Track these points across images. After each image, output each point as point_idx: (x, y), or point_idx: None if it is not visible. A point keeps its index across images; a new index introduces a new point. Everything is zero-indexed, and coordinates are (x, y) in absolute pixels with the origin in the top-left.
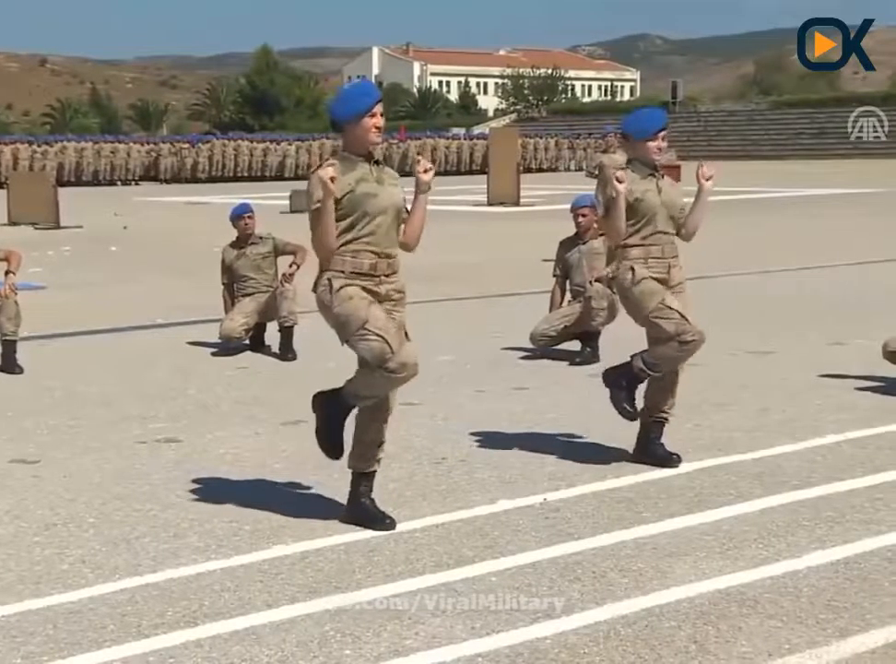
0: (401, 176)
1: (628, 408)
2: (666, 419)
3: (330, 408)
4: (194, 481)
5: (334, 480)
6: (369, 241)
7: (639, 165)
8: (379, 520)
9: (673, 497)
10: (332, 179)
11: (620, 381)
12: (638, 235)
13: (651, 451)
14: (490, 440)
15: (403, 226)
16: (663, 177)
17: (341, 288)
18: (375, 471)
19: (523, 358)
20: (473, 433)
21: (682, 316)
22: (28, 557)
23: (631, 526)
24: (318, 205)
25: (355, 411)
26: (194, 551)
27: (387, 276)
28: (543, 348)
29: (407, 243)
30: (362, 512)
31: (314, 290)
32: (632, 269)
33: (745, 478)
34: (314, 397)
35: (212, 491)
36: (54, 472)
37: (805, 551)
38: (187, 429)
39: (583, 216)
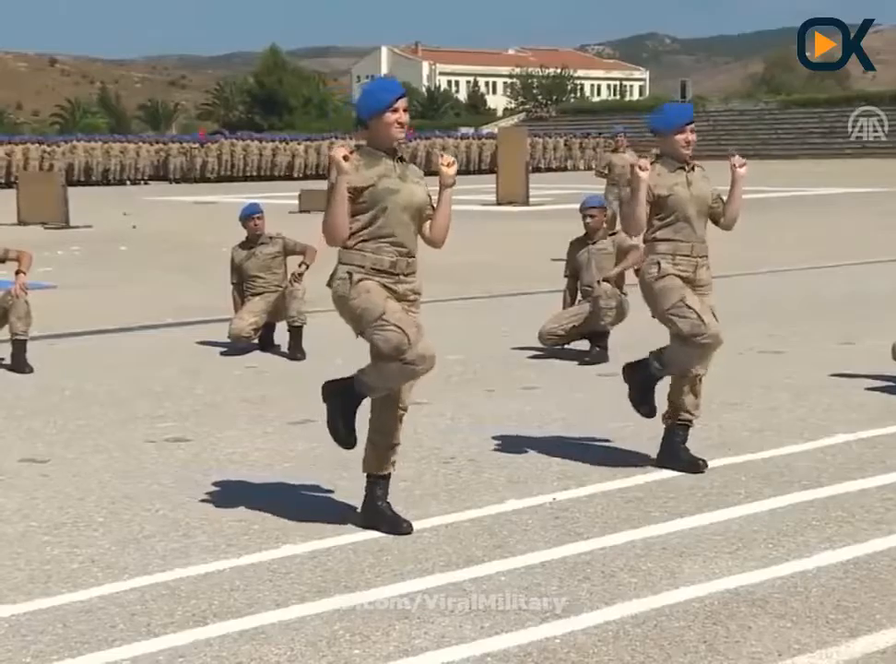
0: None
1: (641, 407)
2: (690, 422)
3: (342, 396)
4: (203, 481)
5: (343, 480)
6: (390, 238)
7: (668, 159)
8: (396, 524)
9: (682, 497)
10: (345, 157)
11: (636, 378)
12: (668, 230)
13: (676, 456)
14: (499, 439)
15: (428, 223)
16: (693, 170)
17: (360, 280)
18: (390, 474)
19: (532, 357)
20: (482, 433)
21: (699, 317)
22: (37, 556)
23: (641, 525)
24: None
25: (368, 415)
26: (204, 551)
27: (406, 275)
28: (551, 346)
29: (434, 239)
30: (379, 516)
31: (329, 283)
32: (658, 264)
33: (754, 477)
34: (324, 386)
35: (221, 490)
36: (64, 471)
37: (814, 551)
38: (196, 428)
39: (592, 216)
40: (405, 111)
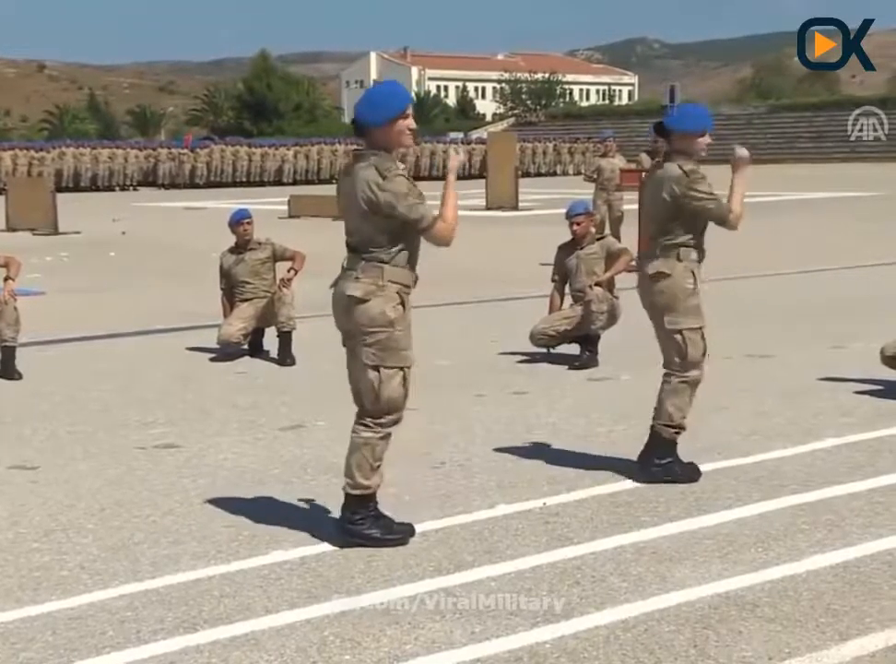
0: None
1: (678, 475)
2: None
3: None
4: (193, 487)
5: (333, 485)
6: (415, 251)
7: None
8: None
9: (672, 501)
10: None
11: (652, 459)
12: (697, 234)
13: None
14: (489, 444)
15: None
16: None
17: (401, 315)
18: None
19: (521, 362)
20: (472, 438)
21: (705, 353)
22: (27, 563)
23: (631, 530)
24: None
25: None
26: (194, 557)
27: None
28: (542, 346)
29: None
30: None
31: (362, 296)
32: (693, 274)
33: (744, 481)
34: None
35: (211, 496)
36: (53, 478)
37: (804, 554)
38: (186, 435)
39: (579, 224)
40: (412, 117)
